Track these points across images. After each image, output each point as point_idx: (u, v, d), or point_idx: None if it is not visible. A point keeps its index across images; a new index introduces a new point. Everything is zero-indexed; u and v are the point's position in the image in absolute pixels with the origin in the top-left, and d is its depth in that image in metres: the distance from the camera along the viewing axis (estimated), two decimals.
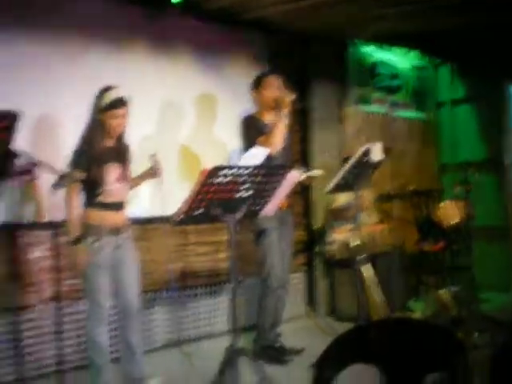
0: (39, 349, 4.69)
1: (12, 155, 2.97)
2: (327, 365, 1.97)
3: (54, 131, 4.83)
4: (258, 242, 5.00)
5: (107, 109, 3.95)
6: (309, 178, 5.02)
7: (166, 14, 5.50)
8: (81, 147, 3.98)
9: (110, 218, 4.01)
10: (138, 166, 4.39)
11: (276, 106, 4.86)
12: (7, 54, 4.63)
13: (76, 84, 4.89)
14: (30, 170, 3.30)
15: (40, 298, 4.64)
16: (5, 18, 4.63)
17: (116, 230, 4.04)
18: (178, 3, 5.33)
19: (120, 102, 3.98)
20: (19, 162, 3.26)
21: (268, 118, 4.98)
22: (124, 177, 4.12)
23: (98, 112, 3.97)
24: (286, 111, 4.75)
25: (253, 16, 6.06)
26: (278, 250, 4.97)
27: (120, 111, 3.99)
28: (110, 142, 4.07)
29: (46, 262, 4.56)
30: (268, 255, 4.94)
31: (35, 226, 4.47)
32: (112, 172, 4.00)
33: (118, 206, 4.07)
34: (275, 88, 4.93)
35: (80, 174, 3.77)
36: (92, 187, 3.94)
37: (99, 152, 3.96)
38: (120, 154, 4.13)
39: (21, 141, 3.60)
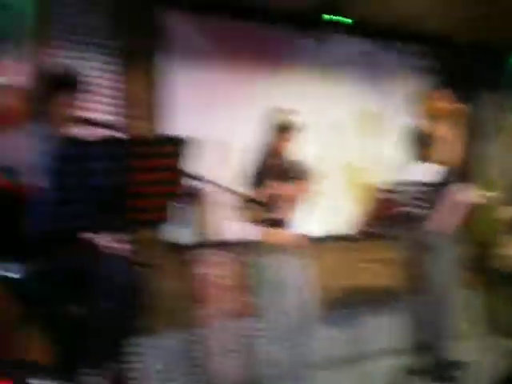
0: (214, 365, 4.83)
1: (182, 178, 3.06)
2: None
3: (227, 153, 4.99)
4: (422, 257, 4.83)
5: (278, 130, 4.05)
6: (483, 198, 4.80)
7: (328, 34, 5.54)
8: (257, 167, 4.09)
9: (282, 235, 4.06)
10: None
11: (446, 118, 4.72)
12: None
13: (246, 108, 5.06)
14: (203, 191, 3.39)
15: (215, 314, 4.78)
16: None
17: (289, 248, 4.07)
18: (340, 22, 5.35)
19: (289, 125, 4.08)
20: (193, 185, 3.36)
21: (437, 130, 4.84)
22: (293, 194, 4.15)
23: (270, 132, 4.08)
24: (458, 123, 4.60)
25: (415, 29, 5.98)
26: (442, 267, 4.76)
27: (289, 134, 4.08)
28: (279, 161, 4.14)
29: (221, 280, 4.69)
30: (431, 272, 4.75)
31: (210, 245, 4.62)
32: (281, 189, 4.05)
33: (288, 223, 4.11)
34: (444, 100, 4.79)
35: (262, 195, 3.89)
36: (264, 206, 4.00)
37: (271, 172, 4.05)
38: (290, 171, 4.16)
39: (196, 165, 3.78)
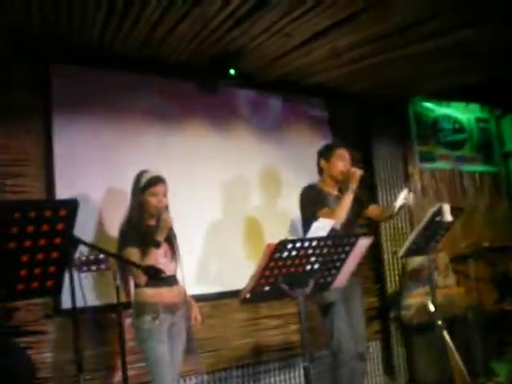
0: None
1: (74, 243, 2.92)
2: None
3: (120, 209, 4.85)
4: (324, 315, 4.80)
5: (146, 187, 4.06)
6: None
7: (222, 87, 5.53)
8: (126, 227, 4.05)
9: (165, 294, 4.01)
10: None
11: (344, 179, 4.76)
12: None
13: (139, 163, 4.93)
14: (98, 260, 3.30)
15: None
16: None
17: (172, 308, 4.04)
18: (234, 75, 5.35)
19: (157, 180, 4.09)
20: (86, 254, 3.26)
21: (331, 189, 4.88)
22: (170, 252, 4.15)
23: (138, 192, 4.08)
24: (354, 185, 4.63)
25: (310, 81, 6.06)
26: (347, 321, 4.73)
27: (158, 188, 4.08)
28: (152, 221, 4.12)
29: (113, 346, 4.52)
30: (336, 327, 4.68)
31: (101, 309, 4.45)
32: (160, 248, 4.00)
33: (170, 282, 4.06)
34: (345, 161, 4.84)
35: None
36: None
37: (143, 231, 4.02)
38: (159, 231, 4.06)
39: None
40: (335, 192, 4.88)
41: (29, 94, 4.71)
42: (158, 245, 3.94)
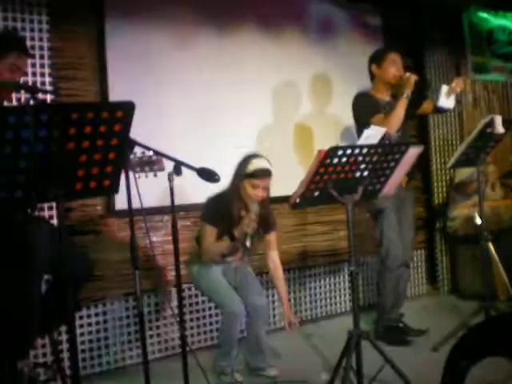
0: (163, 331, 4.88)
1: (131, 145, 2.99)
2: (463, 354, 1.87)
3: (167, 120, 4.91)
4: (375, 221, 4.87)
5: (251, 177, 3.96)
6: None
7: None
8: (214, 203, 4.11)
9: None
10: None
11: (397, 84, 4.69)
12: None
13: (190, 69, 4.97)
14: (152, 161, 3.35)
15: (161, 281, 4.76)
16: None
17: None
18: None
19: (264, 172, 3.97)
20: (141, 156, 3.32)
21: (384, 95, 4.82)
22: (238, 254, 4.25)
23: (241, 176, 4.00)
24: (408, 91, 4.57)
25: None
26: (397, 229, 4.80)
27: (262, 182, 3.97)
28: (241, 209, 4.04)
29: (167, 247, 4.66)
30: (386, 235, 4.77)
31: (155, 210, 4.57)
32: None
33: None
34: (397, 65, 4.75)
35: None
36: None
37: (228, 216, 4.02)
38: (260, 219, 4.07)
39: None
40: (387, 98, 4.82)
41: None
42: (233, 238, 3.99)
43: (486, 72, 7.29)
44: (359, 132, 4.58)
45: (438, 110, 4.97)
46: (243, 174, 3.97)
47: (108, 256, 4.57)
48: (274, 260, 4.31)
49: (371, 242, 5.18)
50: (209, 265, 4.13)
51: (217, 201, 4.08)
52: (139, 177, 3.27)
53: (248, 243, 4.12)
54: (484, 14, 7.31)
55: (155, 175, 3.42)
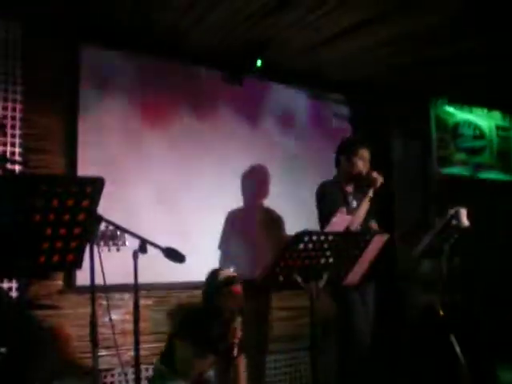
0: None
1: (97, 221, 2.96)
2: None
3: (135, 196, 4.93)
4: (339, 305, 4.80)
5: (224, 285, 4.03)
6: None
7: (248, 78, 5.57)
8: (188, 319, 4.09)
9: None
10: None
11: (362, 180, 4.73)
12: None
13: (164, 149, 5.04)
14: (116, 235, 3.33)
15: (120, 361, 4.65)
16: None
17: None
18: (260, 66, 5.38)
19: (234, 279, 4.08)
20: (105, 229, 3.29)
21: (348, 186, 4.84)
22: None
23: (216, 291, 4.04)
24: (372, 190, 4.61)
25: (335, 77, 6.10)
26: (362, 312, 4.73)
27: (236, 287, 4.05)
28: (220, 324, 4.05)
29: (127, 325, 4.57)
30: (350, 318, 4.69)
31: (116, 288, 4.50)
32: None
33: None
34: (365, 161, 4.78)
35: None
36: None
37: (206, 332, 3.99)
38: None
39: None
40: (351, 189, 4.85)
41: (57, 71, 4.76)
42: (216, 353, 3.95)
43: (451, 165, 7.44)
44: (322, 221, 4.61)
45: None
46: (217, 285, 4.03)
47: (66, 332, 4.46)
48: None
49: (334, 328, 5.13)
50: None
51: (192, 315, 4.08)
52: (102, 251, 3.23)
53: (235, 352, 4.04)
54: (451, 108, 7.51)
55: (118, 250, 3.39)
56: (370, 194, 4.60)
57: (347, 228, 4.03)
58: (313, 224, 4.99)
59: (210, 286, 4.06)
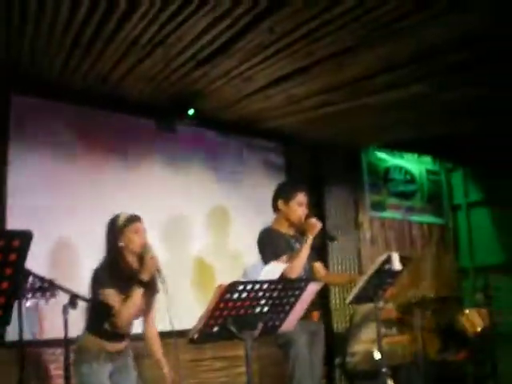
0: None
1: (25, 275, 2.90)
2: None
3: (71, 253, 4.88)
4: (285, 354, 4.75)
5: (126, 225, 3.94)
6: None
7: (181, 126, 5.59)
8: (102, 271, 3.90)
9: (111, 347, 3.89)
10: None
11: (301, 226, 4.75)
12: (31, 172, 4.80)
13: (97, 201, 4.96)
14: (44, 288, 3.27)
15: None
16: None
17: (114, 357, 3.92)
18: (193, 115, 5.41)
19: (137, 218, 4.00)
20: (33, 282, 3.22)
21: (288, 230, 4.84)
22: (144, 307, 4.01)
23: (118, 232, 3.94)
24: (311, 237, 4.58)
25: (267, 126, 6.17)
26: (308, 363, 4.69)
27: (139, 225, 3.97)
28: (134, 261, 3.97)
29: (58, 381, 4.45)
30: (297, 368, 4.61)
31: (48, 343, 4.40)
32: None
33: (120, 338, 3.95)
34: (303, 206, 4.81)
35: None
36: (101, 312, 3.72)
37: (125, 273, 3.88)
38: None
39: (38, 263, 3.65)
40: (292, 233, 4.85)
41: None
42: (141, 284, 3.78)
43: (383, 210, 7.57)
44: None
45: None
46: (119, 228, 3.94)
47: None
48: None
49: (271, 379, 5.10)
50: (97, 367, 3.80)
51: (105, 267, 3.90)
52: (31, 303, 3.16)
53: (160, 280, 3.88)
54: (382, 154, 7.67)
55: (46, 302, 3.33)
56: (310, 240, 4.62)
57: (285, 275, 4.13)
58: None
59: (112, 232, 3.96)
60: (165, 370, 4.15)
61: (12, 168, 4.72)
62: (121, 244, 3.94)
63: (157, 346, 4.19)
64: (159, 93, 5.21)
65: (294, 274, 4.46)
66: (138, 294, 3.79)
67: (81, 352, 3.83)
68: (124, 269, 3.90)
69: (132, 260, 3.97)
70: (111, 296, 3.78)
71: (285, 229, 4.82)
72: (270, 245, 4.69)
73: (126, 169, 5.36)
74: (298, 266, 4.53)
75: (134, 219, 3.99)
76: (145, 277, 3.79)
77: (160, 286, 3.94)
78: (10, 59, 4.50)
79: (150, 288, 3.96)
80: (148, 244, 3.97)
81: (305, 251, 4.59)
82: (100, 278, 3.86)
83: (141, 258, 3.89)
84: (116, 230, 3.96)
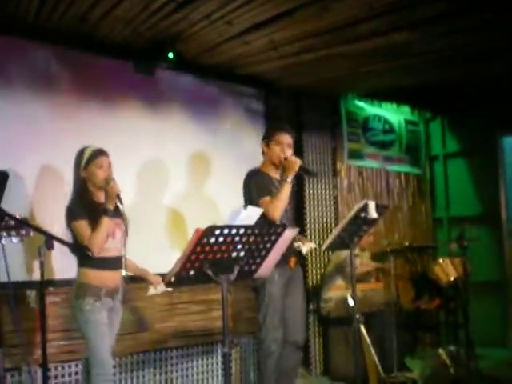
0: None
1: (1, 216, 2.89)
2: None
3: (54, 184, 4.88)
4: (258, 299, 4.79)
5: (91, 160, 4.04)
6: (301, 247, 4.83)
7: (160, 69, 5.52)
8: (73, 204, 4.02)
9: (109, 277, 4.02)
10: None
11: (282, 166, 4.73)
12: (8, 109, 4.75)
13: (72, 140, 4.88)
14: (19, 228, 3.26)
15: (27, 360, 4.54)
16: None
17: (113, 292, 4.07)
18: (172, 58, 5.34)
19: (101, 152, 4.10)
20: (6, 221, 3.21)
21: (275, 173, 4.83)
22: (118, 231, 4.11)
23: (83, 166, 4.05)
24: (291, 175, 4.59)
25: (247, 71, 6.11)
26: (281, 310, 4.71)
27: (103, 160, 4.07)
28: (100, 194, 4.07)
29: (34, 322, 4.46)
30: (267, 315, 4.66)
31: (24, 284, 4.40)
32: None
33: (115, 264, 4.07)
34: (283, 146, 4.77)
35: None
36: (79, 243, 3.91)
37: (92, 205, 4.00)
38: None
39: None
40: (277, 176, 4.84)
41: None
42: (107, 212, 3.90)
43: (361, 158, 7.59)
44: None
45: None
46: (84, 163, 4.05)
47: None
48: None
49: (246, 323, 5.15)
50: (98, 304, 3.93)
51: (74, 200, 4.05)
52: (5, 242, 3.15)
53: (121, 207, 4.06)
54: (361, 103, 7.65)
55: (22, 240, 3.33)
56: (289, 178, 4.61)
57: (267, 216, 4.25)
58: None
59: (77, 167, 4.08)
60: (149, 276, 4.32)
61: None
62: (83, 176, 4.05)
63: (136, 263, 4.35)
64: (138, 35, 5.11)
65: (275, 214, 4.50)
66: (104, 221, 3.89)
67: (80, 288, 3.94)
68: (90, 201, 4.04)
69: (96, 193, 4.09)
70: (82, 227, 3.90)
71: (272, 172, 4.82)
72: (255, 184, 4.70)
73: (101, 110, 5.28)
74: (279, 206, 4.55)
75: (98, 153, 4.07)
76: (109, 205, 3.94)
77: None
78: None
79: (117, 215, 4.09)
80: (110, 176, 4.05)
81: (286, 190, 4.59)
82: (71, 212, 3.99)
83: (105, 190, 3.98)
84: (81, 163, 4.06)
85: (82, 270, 3.98)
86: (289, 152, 4.75)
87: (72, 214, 3.97)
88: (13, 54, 4.83)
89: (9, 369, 4.34)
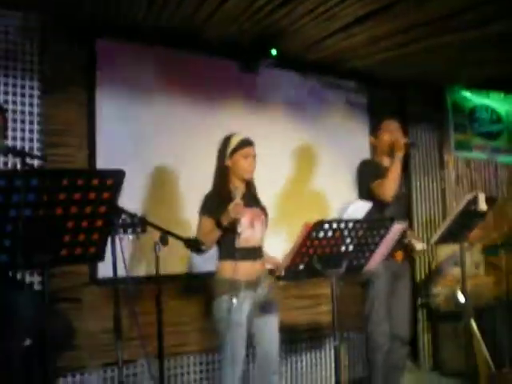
0: None
1: (118, 213, 3.00)
2: None
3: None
4: (365, 293, 4.80)
5: (237, 149, 3.95)
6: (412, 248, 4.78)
7: (263, 67, 5.57)
8: (212, 193, 3.98)
9: (246, 269, 3.85)
10: None
11: (391, 149, 4.72)
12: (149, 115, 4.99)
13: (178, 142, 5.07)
14: (136, 226, 3.37)
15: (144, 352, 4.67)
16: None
17: (253, 284, 3.92)
18: (275, 56, 5.38)
19: (248, 142, 4.00)
20: (124, 219, 3.33)
21: (386, 163, 4.82)
22: (258, 220, 4.01)
23: (229, 155, 3.97)
24: (399, 155, 4.59)
25: (349, 66, 6.09)
26: (386, 303, 4.70)
27: (250, 149, 3.99)
28: (240, 186, 3.97)
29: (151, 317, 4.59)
30: (373, 309, 4.68)
31: (141, 280, 4.53)
32: (245, 216, 3.82)
33: (253, 254, 3.93)
34: (392, 131, 4.79)
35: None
36: (225, 235, 3.84)
37: (227, 197, 3.82)
38: (252, 197, 4.05)
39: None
40: (388, 163, 4.82)
41: (75, 67, 4.79)
42: (220, 226, 3.75)
43: (469, 150, 7.42)
44: (361, 198, 4.59)
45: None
46: (230, 151, 3.95)
47: (89, 325, 4.50)
48: None
49: (353, 318, 5.13)
50: (234, 307, 3.73)
51: (213, 191, 3.97)
52: (122, 239, 3.25)
53: (239, 229, 3.74)
54: (467, 93, 7.48)
55: (138, 237, 3.42)
56: (398, 157, 4.58)
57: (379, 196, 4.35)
58: None
59: (222, 154, 3.99)
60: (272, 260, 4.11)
61: (100, 112, 4.83)
62: (227, 164, 3.96)
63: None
64: (242, 33, 5.18)
65: (387, 194, 4.51)
66: (215, 233, 3.79)
67: (218, 285, 3.87)
68: (227, 196, 3.82)
69: (237, 185, 3.95)
70: (204, 223, 3.85)
71: (384, 161, 4.82)
72: (367, 171, 4.75)
73: (205, 109, 5.39)
74: (391, 186, 4.54)
75: (246, 143, 3.99)
76: (224, 221, 3.74)
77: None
78: (95, 7, 4.58)
79: (257, 205, 4.06)
80: (252, 180, 4.04)
81: (396, 167, 4.57)
82: (203, 204, 3.94)
83: (229, 198, 3.78)
84: (226, 150, 3.98)
85: (220, 264, 3.91)
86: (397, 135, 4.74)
87: (203, 207, 3.92)
88: (124, 58, 5.01)
89: (125, 361, 4.48)
